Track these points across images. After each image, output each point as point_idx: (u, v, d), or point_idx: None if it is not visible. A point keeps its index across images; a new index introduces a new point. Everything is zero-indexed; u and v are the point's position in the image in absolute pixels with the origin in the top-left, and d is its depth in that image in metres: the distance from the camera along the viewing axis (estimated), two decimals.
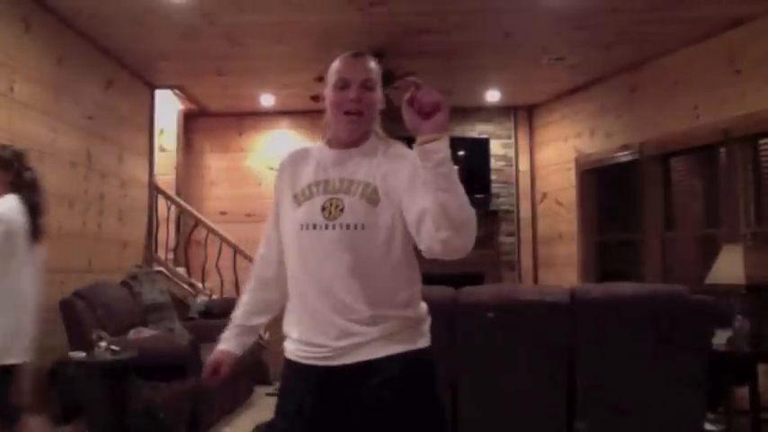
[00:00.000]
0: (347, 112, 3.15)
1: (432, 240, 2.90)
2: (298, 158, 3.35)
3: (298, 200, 3.19)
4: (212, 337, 9.58)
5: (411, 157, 3.03)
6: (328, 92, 3.23)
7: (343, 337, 3.02)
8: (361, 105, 3.15)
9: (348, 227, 3.04)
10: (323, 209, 3.09)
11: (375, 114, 3.24)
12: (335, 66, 3.24)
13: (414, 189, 2.98)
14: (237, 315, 3.56)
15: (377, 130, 3.29)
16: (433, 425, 3.12)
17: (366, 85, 3.16)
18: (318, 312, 3.07)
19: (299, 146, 3.43)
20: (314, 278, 3.09)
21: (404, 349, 3.06)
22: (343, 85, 3.16)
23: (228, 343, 3.53)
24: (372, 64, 3.24)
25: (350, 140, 3.22)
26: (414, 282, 3.21)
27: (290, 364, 3.20)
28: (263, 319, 3.58)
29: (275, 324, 9.20)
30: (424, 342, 3.16)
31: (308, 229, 3.09)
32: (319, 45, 9.39)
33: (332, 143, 3.28)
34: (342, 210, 3.06)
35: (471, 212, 2.95)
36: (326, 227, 3.06)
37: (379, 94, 3.24)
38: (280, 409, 3.23)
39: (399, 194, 3.06)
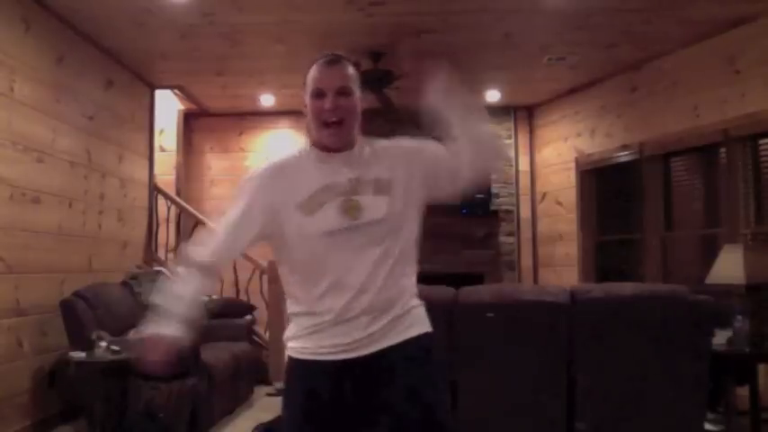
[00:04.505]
0: (327, 124, 3.18)
1: (463, 164, 3.22)
2: (286, 167, 3.32)
3: (307, 208, 3.15)
4: (212, 337, 9.62)
5: (395, 144, 3.37)
6: (307, 99, 3.25)
7: (368, 329, 3.10)
8: (339, 114, 3.17)
9: (373, 223, 3.11)
10: (342, 212, 3.11)
11: (356, 119, 3.26)
12: (311, 74, 3.25)
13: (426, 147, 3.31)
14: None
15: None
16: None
17: (342, 92, 3.18)
18: (346, 311, 3.10)
19: (278, 157, 3.39)
20: (341, 280, 3.11)
21: (417, 333, 3.19)
22: (318, 94, 3.18)
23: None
24: (348, 69, 3.26)
25: (337, 147, 3.25)
26: (415, 270, 3.32)
27: (305, 364, 3.22)
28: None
29: (275, 323, 9.12)
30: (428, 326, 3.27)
31: (332, 235, 3.10)
32: (319, 45, 9.37)
33: (322, 148, 3.28)
34: (361, 209, 3.12)
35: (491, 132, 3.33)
36: (352, 228, 3.10)
37: (356, 98, 3.24)
38: (299, 408, 3.23)
39: (405, 178, 3.22)
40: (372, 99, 10.58)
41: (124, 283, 9.17)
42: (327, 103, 3.15)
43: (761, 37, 8.32)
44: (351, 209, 3.12)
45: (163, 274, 10.91)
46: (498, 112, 13.47)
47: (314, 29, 8.87)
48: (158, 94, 11.72)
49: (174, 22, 8.46)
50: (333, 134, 3.20)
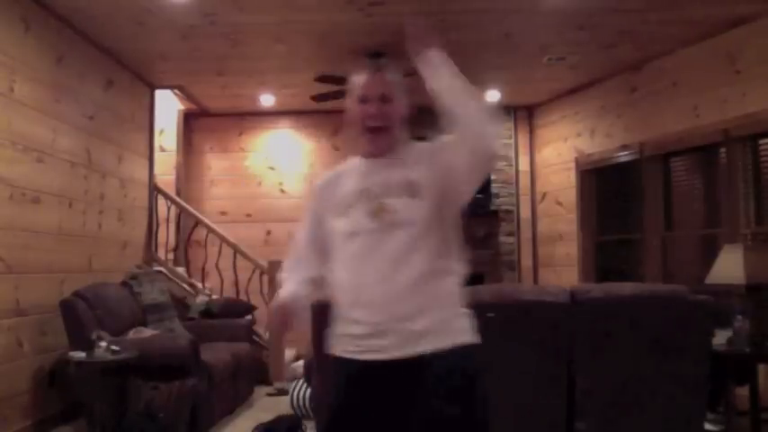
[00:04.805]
0: (370, 129, 3.31)
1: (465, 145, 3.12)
2: (334, 178, 3.47)
3: (342, 211, 3.29)
4: (212, 337, 9.62)
5: (430, 145, 3.33)
6: (351, 104, 3.37)
7: (392, 333, 3.11)
8: (381, 120, 3.29)
9: (397, 225, 3.17)
10: (369, 214, 3.20)
11: (398, 125, 3.36)
12: (356, 80, 3.38)
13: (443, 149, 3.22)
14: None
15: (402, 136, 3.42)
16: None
17: (385, 99, 3.31)
18: (368, 314, 3.16)
19: (331, 170, 3.56)
20: (363, 281, 3.19)
21: (452, 344, 3.17)
22: (363, 99, 3.32)
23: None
24: (391, 76, 3.41)
25: (379, 152, 3.36)
26: (456, 277, 3.32)
27: (338, 360, 3.30)
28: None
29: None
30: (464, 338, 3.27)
31: (357, 235, 3.21)
32: (319, 45, 9.40)
33: (365, 154, 3.40)
34: (387, 211, 3.18)
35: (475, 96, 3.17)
36: (376, 230, 3.18)
37: (399, 103, 3.35)
38: (342, 405, 3.27)
39: (433, 180, 3.21)
40: None
41: (124, 284, 9.18)
42: (370, 109, 3.29)
43: (761, 37, 8.32)
44: (376, 211, 3.19)
45: (162, 274, 10.96)
46: (498, 112, 13.48)
47: (314, 29, 8.87)
48: (158, 94, 11.72)
49: (175, 22, 8.46)
50: (374, 139, 3.33)
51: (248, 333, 10.42)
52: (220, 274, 11.80)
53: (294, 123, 13.67)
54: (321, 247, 3.38)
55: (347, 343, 3.24)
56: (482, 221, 12.79)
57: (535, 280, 13.41)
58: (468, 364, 3.20)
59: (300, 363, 9.41)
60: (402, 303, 3.13)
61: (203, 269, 12.05)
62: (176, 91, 12.00)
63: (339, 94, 10.31)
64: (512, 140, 13.65)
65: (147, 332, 8.37)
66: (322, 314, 5.60)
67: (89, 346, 7.12)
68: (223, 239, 11.84)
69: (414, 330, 3.11)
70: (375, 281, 3.15)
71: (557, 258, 12.81)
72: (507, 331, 6.02)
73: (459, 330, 3.24)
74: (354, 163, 3.44)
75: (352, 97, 3.37)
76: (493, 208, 13.17)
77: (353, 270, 3.22)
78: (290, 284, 3.45)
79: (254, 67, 10.57)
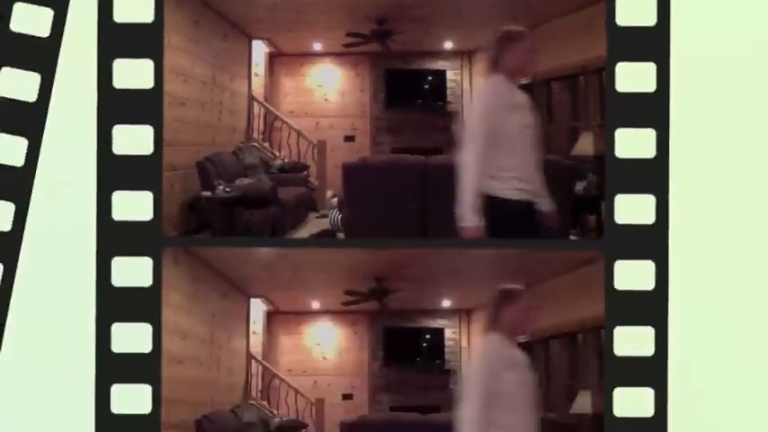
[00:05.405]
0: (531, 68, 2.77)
1: None
2: (499, 85, 2.95)
3: (512, 110, 2.83)
4: (284, 183, 9.46)
5: None
6: (522, 50, 2.62)
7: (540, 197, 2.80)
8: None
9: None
10: (527, 117, 2.71)
11: None
12: (528, 41, 2.65)
13: None
14: None
15: None
16: None
17: None
18: (530, 183, 2.72)
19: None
20: (531, 161, 2.76)
21: None
22: (532, 50, 2.67)
23: None
24: None
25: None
26: None
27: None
28: None
29: (320, 176, 8.83)
30: None
31: (525, 129, 2.67)
32: (336, 13, 9.06)
33: (511, 78, 2.88)
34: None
35: None
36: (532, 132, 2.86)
37: None
38: None
39: None
40: (377, 46, 10.32)
41: (233, 152, 9.04)
42: (535, 57, 2.88)
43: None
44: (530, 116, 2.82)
45: (256, 147, 10.82)
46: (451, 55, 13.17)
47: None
48: (254, 43, 11.44)
49: None
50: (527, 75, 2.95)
51: (305, 182, 10.33)
52: (290, 148, 11.69)
53: (334, 61, 13.41)
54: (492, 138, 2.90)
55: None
56: None
57: None
58: None
59: (335, 199, 9.35)
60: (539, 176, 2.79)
61: (279, 145, 11.95)
62: (264, 41, 11.73)
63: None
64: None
65: (247, 181, 8.26)
66: (351, 175, 5.44)
67: (212, 188, 7.02)
68: (290, 127, 11.68)
69: None
70: (535, 163, 2.74)
71: None
72: None
73: None
74: (500, 79, 2.67)
75: (523, 45, 2.90)
76: None
77: (524, 149, 2.67)
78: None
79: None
